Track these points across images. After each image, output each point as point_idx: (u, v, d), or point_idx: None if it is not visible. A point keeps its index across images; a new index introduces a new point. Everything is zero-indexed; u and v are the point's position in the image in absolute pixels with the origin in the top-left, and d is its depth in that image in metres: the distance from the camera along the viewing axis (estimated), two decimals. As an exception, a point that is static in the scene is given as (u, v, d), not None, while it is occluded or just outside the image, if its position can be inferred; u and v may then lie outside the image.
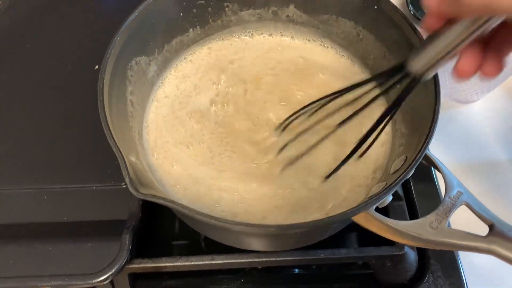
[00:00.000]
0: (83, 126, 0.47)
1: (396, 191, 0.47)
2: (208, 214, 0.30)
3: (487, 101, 0.59)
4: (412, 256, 0.43)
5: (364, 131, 0.35)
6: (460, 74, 0.29)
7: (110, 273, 0.37)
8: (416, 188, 0.48)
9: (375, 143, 0.38)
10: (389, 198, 0.34)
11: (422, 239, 0.32)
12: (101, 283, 0.37)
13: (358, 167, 0.40)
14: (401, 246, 0.42)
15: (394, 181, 0.32)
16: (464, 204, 0.33)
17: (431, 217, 0.32)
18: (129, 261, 0.41)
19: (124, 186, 0.44)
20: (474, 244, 0.31)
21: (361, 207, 0.31)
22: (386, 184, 0.34)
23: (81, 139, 0.46)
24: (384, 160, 0.41)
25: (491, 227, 0.31)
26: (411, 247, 0.44)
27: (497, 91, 0.60)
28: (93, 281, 0.37)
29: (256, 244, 0.38)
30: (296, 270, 0.46)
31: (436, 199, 0.47)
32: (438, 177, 0.48)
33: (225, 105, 0.44)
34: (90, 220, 0.42)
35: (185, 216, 0.38)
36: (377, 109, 0.41)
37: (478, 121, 0.57)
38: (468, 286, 0.43)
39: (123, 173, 0.32)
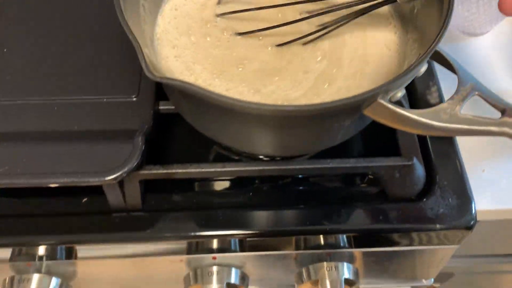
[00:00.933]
0: (95, 37, 0.47)
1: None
2: (226, 95, 0.30)
3: (495, 35, 0.59)
4: (420, 169, 0.44)
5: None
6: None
7: (122, 171, 0.37)
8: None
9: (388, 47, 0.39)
10: (402, 91, 0.34)
11: (435, 127, 0.32)
12: (113, 181, 0.38)
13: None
14: (410, 157, 0.42)
15: (408, 69, 0.32)
16: (477, 95, 0.33)
17: (443, 105, 0.32)
18: (141, 167, 0.41)
19: (134, 99, 0.44)
20: (488, 128, 0.31)
21: (374, 90, 0.31)
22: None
23: (93, 51, 0.46)
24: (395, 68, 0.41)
25: (503, 111, 0.31)
26: (419, 160, 0.44)
27: (506, 26, 0.60)
28: (105, 179, 0.37)
29: (265, 141, 0.38)
30: (301, 187, 0.46)
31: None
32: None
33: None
34: (101, 129, 0.42)
35: (194, 113, 0.38)
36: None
37: (487, 53, 0.57)
38: (474, 199, 0.43)
39: (139, 57, 0.32)
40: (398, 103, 0.34)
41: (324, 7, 0.43)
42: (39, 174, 0.38)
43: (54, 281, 0.46)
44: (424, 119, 0.32)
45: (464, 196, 0.44)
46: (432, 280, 0.56)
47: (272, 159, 0.44)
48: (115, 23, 0.46)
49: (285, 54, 0.43)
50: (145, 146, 0.40)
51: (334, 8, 0.42)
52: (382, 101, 0.32)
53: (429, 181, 0.45)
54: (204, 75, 0.41)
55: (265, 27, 0.42)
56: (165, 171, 0.41)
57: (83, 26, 0.48)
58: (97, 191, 0.43)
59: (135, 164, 0.38)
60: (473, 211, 0.43)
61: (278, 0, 0.45)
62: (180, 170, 0.41)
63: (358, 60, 0.42)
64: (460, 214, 0.43)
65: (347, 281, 0.45)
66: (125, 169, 0.38)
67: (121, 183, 0.41)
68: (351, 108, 0.33)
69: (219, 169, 0.41)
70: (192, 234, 0.42)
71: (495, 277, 0.82)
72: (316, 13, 0.42)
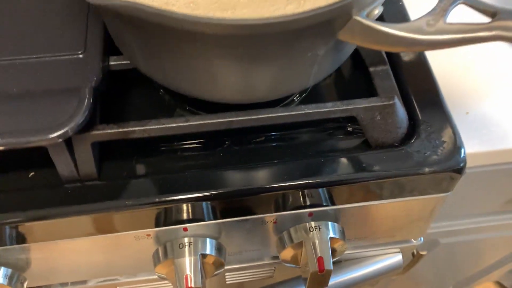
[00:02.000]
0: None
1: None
2: (179, 12, 0.25)
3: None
4: (401, 110, 0.40)
5: None
6: None
7: (68, 127, 0.32)
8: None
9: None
10: (379, 8, 0.30)
11: (420, 41, 0.29)
12: (57, 140, 0.32)
13: None
14: (390, 96, 0.39)
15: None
16: (463, 3, 0.30)
17: (427, 17, 0.29)
18: (92, 126, 0.36)
19: (81, 56, 0.38)
20: (478, 34, 0.28)
21: (347, 3, 0.27)
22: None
23: (32, 6, 0.41)
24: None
25: (494, 14, 0.28)
26: (400, 101, 0.41)
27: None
28: (49, 137, 0.32)
29: (231, 82, 0.34)
30: (278, 144, 0.42)
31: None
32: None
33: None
34: (44, 89, 0.36)
35: (147, 49, 0.33)
36: None
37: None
38: (462, 140, 0.40)
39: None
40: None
41: None
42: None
43: (3, 271, 0.41)
44: (407, 34, 0.28)
45: (451, 137, 0.40)
46: (422, 239, 0.53)
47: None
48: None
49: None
50: (96, 101, 0.35)
51: None
52: (358, 18, 0.28)
53: (412, 125, 0.41)
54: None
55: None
56: (120, 129, 0.36)
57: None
58: (45, 163, 0.37)
59: (83, 119, 0.33)
60: (462, 151, 0.40)
61: None
62: (137, 128, 0.36)
63: None
64: (449, 155, 0.39)
65: (332, 241, 0.41)
66: (72, 125, 0.33)
67: (70, 148, 0.36)
68: (324, 26, 0.29)
69: (182, 124, 0.37)
70: (157, 200, 0.37)
71: (478, 244, 0.80)
72: None
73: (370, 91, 0.43)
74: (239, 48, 0.29)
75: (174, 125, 0.37)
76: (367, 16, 0.29)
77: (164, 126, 0.36)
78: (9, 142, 0.32)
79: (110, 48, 0.40)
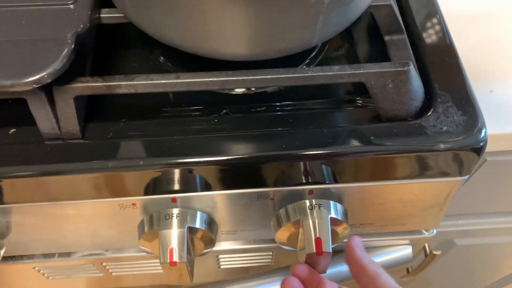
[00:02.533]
0: None
1: None
2: None
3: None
4: (416, 80, 0.36)
5: None
6: None
7: (45, 72, 0.30)
8: None
9: None
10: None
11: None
12: (31, 86, 0.30)
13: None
14: (405, 63, 0.35)
15: None
16: None
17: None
18: (76, 79, 0.33)
19: (72, 6, 0.36)
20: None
21: None
22: None
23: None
24: None
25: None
26: (415, 70, 0.37)
27: None
28: (22, 81, 0.29)
29: (229, 30, 0.30)
30: (280, 113, 0.39)
31: None
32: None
33: None
34: (29, 38, 0.34)
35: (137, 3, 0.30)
36: None
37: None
38: (483, 117, 0.36)
39: None
40: None
41: None
42: None
43: (-22, 235, 0.38)
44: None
45: (471, 113, 0.36)
46: (435, 231, 0.48)
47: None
48: None
49: None
50: (85, 53, 0.33)
51: None
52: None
53: (428, 99, 0.38)
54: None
55: None
56: (105, 83, 0.33)
57: None
58: (27, 121, 0.35)
59: (61, 65, 0.30)
60: (483, 130, 0.35)
61: None
62: (124, 83, 0.33)
63: None
64: (468, 133, 0.35)
65: (333, 221, 0.38)
66: (49, 70, 0.30)
67: (52, 102, 0.34)
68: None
69: (171, 81, 0.34)
70: (142, 163, 0.34)
71: (496, 249, 0.75)
72: None
73: (382, 55, 0.40)
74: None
75: (164, 81, 0.34)
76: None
77: (152, 82, 0.33)
78: (-21, 86, 0.29)
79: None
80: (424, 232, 0.48)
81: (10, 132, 0.36)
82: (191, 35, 0.31)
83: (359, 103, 0.40)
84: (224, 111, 0.39)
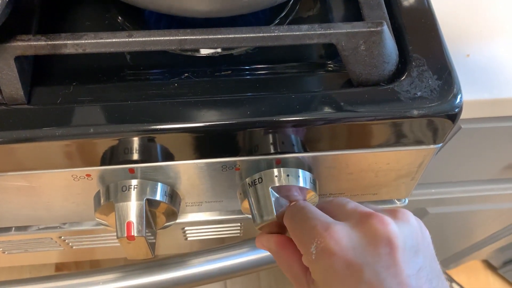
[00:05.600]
0: None
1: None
2: None
3: None
4: (390, 41, 0.34)
5: None
6: None
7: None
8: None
9: None
10: None
11: None
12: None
13: None
14: (378, 22, 0.33)
15: None
16: None
17: None
18: (16, 37, 0.30)
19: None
20: None
21: None
22: None
23: None
24: None
25: None
26: (390, 31, 0.35)
27: None
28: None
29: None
30: (248, 77, 0.36)
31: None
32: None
33: None
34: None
35: None
36: None
37: None
38: (459, 82, 0.34)
39: None
40: None
41: None
42: None
43: None
44: None
45: (447, 77, 0.34)
46: (406, 200, 0.47)
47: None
48: None
49: None
50: (24, 11, 0.29)
51: None
52: None
53: (403, 63, 0.35)
54: None
55: None
56: (49, 42, 0.30)
57: None
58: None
59: (-4, 19, 0.27)
60: (459, 96, 0.34)
61: None
62: (70, 42, 0.30)
63: None
64: (443, 98, 0.33)
65: (301, 189, 0.36)
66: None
67: (-10, 63, 0.30)
68: None
69: (123, 40, 0.30)
70: (92, 130, 0.31)
71: (468, 216, 0.75)
72: None
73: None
74: None
75: (115, 40, 0.30)
76: None
77: (102, 40, 0.30)
78: None
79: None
80: (396, 201, 0.47)
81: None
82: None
83: (330, 67, 0.38)
84: (185, 74, 0.36)
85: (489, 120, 0.42)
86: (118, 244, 0.41)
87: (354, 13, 0.39)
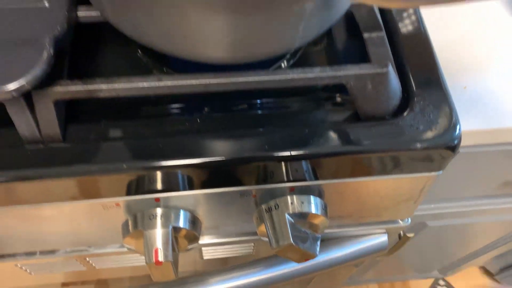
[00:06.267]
0: None
1: None
2: None
3: None
4: (395, 79, 0.37)
5: None
6: None
7: (25, 80, 0.29)
8: None
9: None
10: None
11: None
12: (12, 95, 0.29)
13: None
14: (383, 64, 0.36)
15: None
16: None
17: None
18: (55, 82, 0.33)
19: (47, 5, 0.35)
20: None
21: None
22: None
23: None
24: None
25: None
26: (394, 70, 0.38)
27: None
28: (2, 90, 0.29)
29: (211, 35, 0.30)
30: (261, 112, 0.39)
31: None
32: None
33: None
34: (3, 40, 0.33)
35: (119, 9, 0.30)
36: None
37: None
38: (458, 115, 0.37)
39: None
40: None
41: None
42: None
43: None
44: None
45: (446, 112, 0.37)
46: (409, 220, 0.50)
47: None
48: None
49: None
50: (62, 55, 0.32)
51: None
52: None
53: (406, 97, 0.38)
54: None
55: None
56: (86, 87, 0.33)
57: None
58: (5, 122, 0.34)
59: (41, 71, 0.30)
60: (458, 128, 0.37)
61: None
62: (105, 86, 0.33)
63: None
64: (444, 131, 0.37)
65: (314, 217, 0.39)
66: (28, 78, 0.29)
67: (31, 106, 0.33)
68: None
69: (154, 84, 0.33)
70: (125, 166, 0.34)
71: (466, 229, 0.78)
72: None
73: (363, 60, 0.40)
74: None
75: (146, 85, 0.33)
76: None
77: (134, 85, 0.33)
78: (-44, 93, 0.29)
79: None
80: (400, 221, 0.50)
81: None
82: (170, 39, 0.31)
83: (338, 99, 0.41)
84: (205, 109, 0.39)
85: (486, 145, 0.46)
86: (139, 263, 0.43)
87: (360, 48, 0.42)
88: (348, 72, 0.35)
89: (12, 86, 0.29)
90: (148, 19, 0.30)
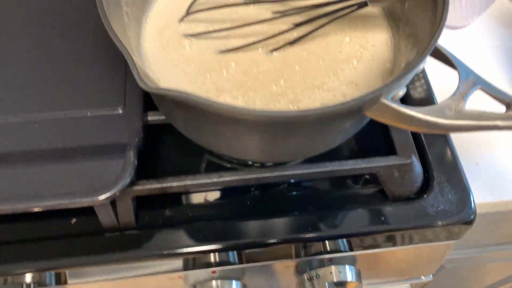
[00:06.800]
0: (74, 49, 0.44)
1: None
2: (228, 104, 0.28)
3: (478, 26, 0.59)
4: (418, 166, 0.43)
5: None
6: None
7: (116, 189, 0.35)
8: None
9: (379, 43, 0.39)
10: (403, 90, 0.33)
11: (441, 125, 0.31)
12: (106, 201, 0.35)
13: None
14: (408, 155, 0.42)
15: (409, 67, 0.31)
16: (480, 89, 0.33)
17: (448, 101, 0.32)
18: (133, 182, 0.39)
19: (121, 112, 0.41)
20: (494, 123, 0.30)
21: (377, 91, 0.30)
22: (400, 72, 0.33)
23: (73, 63, 0.43)
24: (390, 65, 0.40)
25: (509, 105, 0.31)
26: (417, 158, 0.44)
27: (485, 17, 0.60)
28: (98, 198, 0.35)
29: (262, 148, 0.36)
30: (296, 192, 0.45)
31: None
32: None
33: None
34: (88, 145, 0.39)
35: (188, 124, 0.36)
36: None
37: (471, 45, 0.58)
38: (473, 194, 0.43)
39: (130, 66, 0.30)
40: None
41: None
42: (26, 197, 0.35)
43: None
44: (430, 117, 0.31)
45: (462, 191, 0.43)
46: (431, 276, 0.56)
47: (263, 164, 0.43)
48: (95, 33, 0.44)
49: (276, 59, 0.41)
50: (137, 160, 0.38)
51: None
52: (385, 101, 0.31)
53: (426, 178, 0.44)
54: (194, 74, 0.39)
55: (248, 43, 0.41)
56: (159, 185, 0.39)
57: (61, 37, 0.45)
58: (86, 210, 0.40)
59: (129, 180, 0.36)
60: (473, 205, 0.43)
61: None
62: (175, 184, 0.39)
63: (349, 60, 0.42)
64: (460, 209, 0.42)
65: (350, 284, 0.44)
66: (119, 187, 0.35)
67: (113, 201, 0.39)
68: (354, 110, 0.32)
69: (215, 180, 0.40)
70: (190, 250, 0.40)
71: (481, 268, 0.83)
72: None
73: (385, 144, 0.46)
74: (275, 128, 0.32)
75: (208, 181, 0.40)
76: (392, 99, 0.32)
77: (199, 182, 0.40)
78: (61, 203, 0.35)
79: (147, 102, 0.43)
80: (423, 277, 0.55)
81: (72, 223, 0.42)
82: (233, 150, 0.38)
83: (367, 176, 0.46)
84: (251, 190, 0.45)
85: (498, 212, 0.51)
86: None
87: (384, 134, 0.47)
88: (378, 163, 0.41)
89: (104, 196, 0.35)
90: (213, 138, 0.36)
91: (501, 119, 0.30)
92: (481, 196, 0.47)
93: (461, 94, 0.32)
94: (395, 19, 0.42)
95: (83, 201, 0.35)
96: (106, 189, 0.35)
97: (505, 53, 0.57)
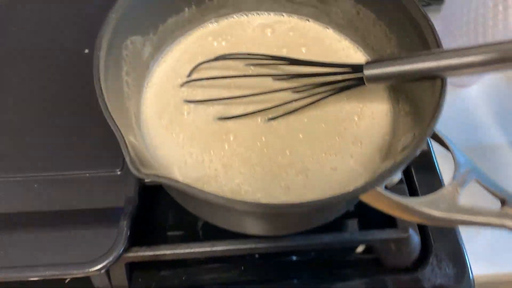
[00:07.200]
0: (73, 111, 0.45)
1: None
2: (217, 194, 0.28)
3: (482, 86, 0.59)
4: (415, 239, 0.43)
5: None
6: None
7: (107, 261, 0.36)
8: (417, 176, 0.47)
9: (378, 123, 0.38)
10: (398, 176, 0.33)
11: (434, 217, 0.31)
12: (98, 272, 0.36)
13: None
14: (405, 229, 0.41)
15: (405, 156, 0.31)
16: (475, 180, 0.32)
17: (443, 192, 0.31)
18: (126, 249, 0.39)
19: (119, 173, 0.42)
20: (487, 220, 0.30)
21: (371, 183, 0.30)
22: (394, 161, 0.33)
23: (72, 125, 0.44)
24: (389, 138, 0.40)
25: (503, 202, 0.31)
26: (415, 230, 0.43)
27: (491, 76, 0.60)
28: (90, 270, 0.35)
29: (258, 226, 0.37)
30: (294, 258, 0.45)
31: (438, 186, 0.46)
32: (440, 164, 0.48)
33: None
34: (84, 208, 0.40)
35: (185, 198, 0.36)
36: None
37: (475, 105, 0.57)
38: (471, 268, 0.43)
39: (124, 152, 0.30)
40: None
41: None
42: (19, 267, 0.35)
43: None
44: (423, 209, 0.31)
45: (460, 264, 0.43)
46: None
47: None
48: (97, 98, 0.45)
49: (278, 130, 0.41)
50: (131, 228, 0.38)
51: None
52: (378, 189, 0.31)
53: (424, 249, 0.44)
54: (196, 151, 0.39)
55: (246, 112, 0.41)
56: (152, 253, 0.39)
57: (62, 98, 0.46)
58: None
59: (121, 251, 0.36)
60: (471, 280, 0.42)
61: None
62: (168, 252, 0.39)
63: (350, 117, 0.41)
64: (458, 284, 0.42)
65: None
66: (111, 259, 0.36)
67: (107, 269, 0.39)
68: (346, 199, 0.31)
69: (208, 249, 0.40)
70: (183, 317, 0.40)
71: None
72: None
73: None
74: (270, 215, 0.32)
75: (201, 249, 0.40)
76: (387, 186, 0.32)
77: (192, 250, 0.40)
78: (53, 274, 0.35)
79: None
80: None
81: (66, 282, 0.42)
82: (227, 225, 0.38)
83: (365, 250, 0.46)
84: (246, 256, 0.45)
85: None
86: None
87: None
88: (374, 236, 0.41)
89: (96, 267, 0.35)
90: (208, 213, 0.36)
91: (496, 216, 0.30)
92: (483, 267, 0.46)
93: (456, 185, 0.31)
94: (395, 91, 0.42)
95: (75, 273, 0.35)
96: (98, 261, 0.36)
97: (508, 113, 0.56)
